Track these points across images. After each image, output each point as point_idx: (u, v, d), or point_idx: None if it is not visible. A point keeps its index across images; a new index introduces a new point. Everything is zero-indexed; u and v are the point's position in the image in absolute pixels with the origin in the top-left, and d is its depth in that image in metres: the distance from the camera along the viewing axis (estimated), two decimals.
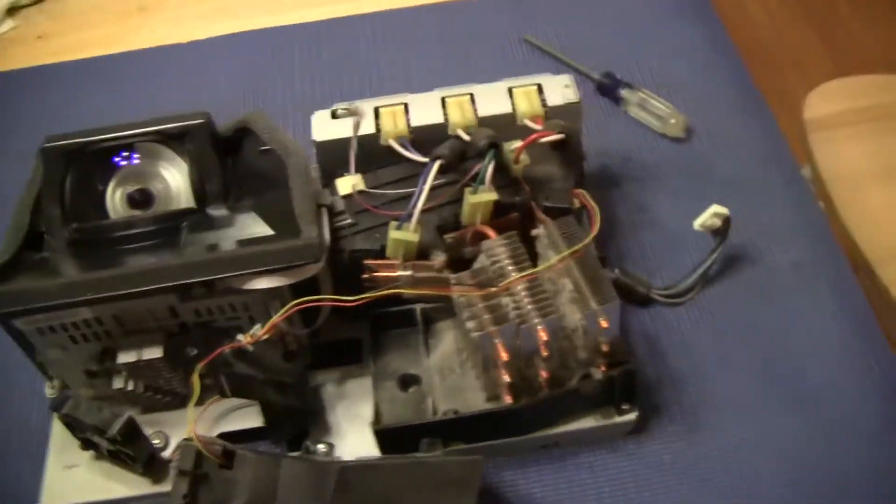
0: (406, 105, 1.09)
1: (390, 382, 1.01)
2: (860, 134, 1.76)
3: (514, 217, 1.03)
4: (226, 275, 0.91)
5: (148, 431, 0.98)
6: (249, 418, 1.01)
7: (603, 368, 0.96)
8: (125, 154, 0.99)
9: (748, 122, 1.32)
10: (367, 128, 1.07)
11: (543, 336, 0.92)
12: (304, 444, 0.95)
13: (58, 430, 1.02)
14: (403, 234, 0.97)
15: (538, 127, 1.06)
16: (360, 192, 1.03)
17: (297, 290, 0.94)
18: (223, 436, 1.00)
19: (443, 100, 1.09)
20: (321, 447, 0.96)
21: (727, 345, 1.09)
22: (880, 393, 1.04)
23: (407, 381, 1.02)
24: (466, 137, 1.04)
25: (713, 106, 1.33)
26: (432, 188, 0.99)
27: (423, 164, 1.00)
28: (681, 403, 1.04)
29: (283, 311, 0.92)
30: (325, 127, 1.07)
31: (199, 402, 0.94)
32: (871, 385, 1.04)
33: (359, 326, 1.05)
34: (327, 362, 1.06)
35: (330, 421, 1.02)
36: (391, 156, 1.06)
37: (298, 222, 0.94)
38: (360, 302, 0.93)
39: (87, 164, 0.98)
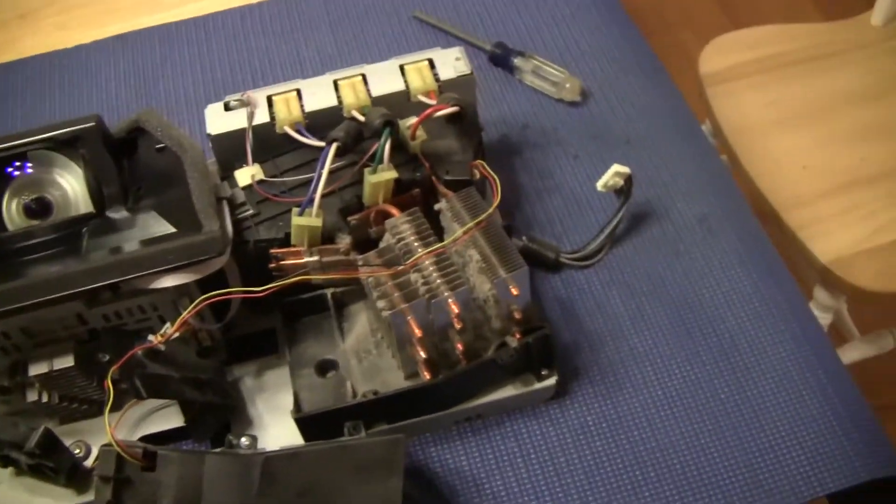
0: (299, 91, 1.09)
1: (308, 370, 1.01)
2: (757, 84, 1.79)
3: (415, 193, 1.04)
4: (130, 276, 0.91)
5: (68, 442, 0.97)
6: (171, 419, 1.01)
7: (518, 336, 0.97)
8: (17, 164, 0.98)
9: (643, 82, 1.33)
10: (262, 117, 1.07)
11: (455, 308, 0.92)
12: (227, 439, 0.95)
13: None
14: (306, 220, 0.97)
15: (432, 102, 1.07)
16: (260, 182, 1.03)
17: (205, 285, 0.94)
18: (146, 438, 0.99)
19: (335, 83, 1.09)
20: (244, 440, 0.96)
21: (640, 302, 1.10)
22: (793, 335, 1.06)
23: (324, 367, 1.02)
24: (361, 118, 1.04)
25: (606, 68, 1.35)
26: (331, 172, 0.99)
27: (321, 149, 1.00)
28: (600, 364, 1.06)
29: (191, 307, 0.92)
30: (219, 120, 1.07)
31: (118, 407, 0.94)
32: (783, 326, 1.07)
33: (271, 317, 1.06)
34: (244, 355, 1.06)
35: (251, 414, 1.02)
36: (288, 143, 1.06)
37: (199, 217, 0.94)
38: (269, 291, 0.93)
39: None
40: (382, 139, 1.00)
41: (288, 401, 0.98)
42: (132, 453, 0.86)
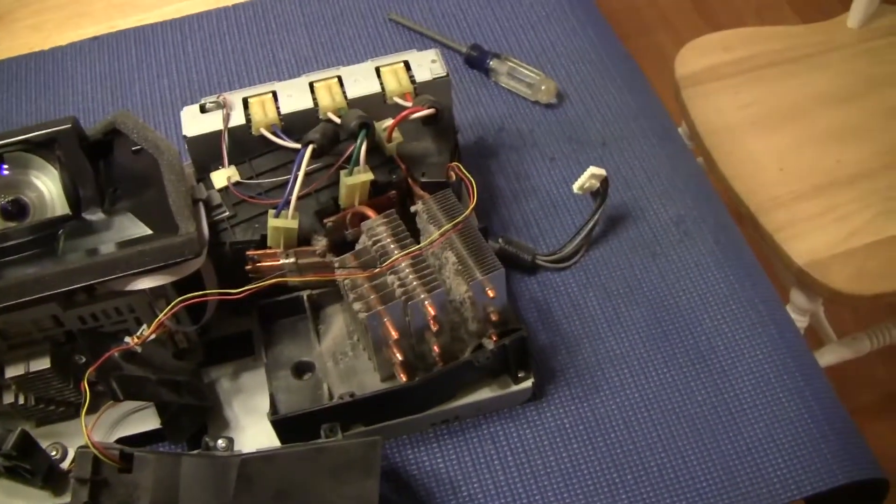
0: (274, 93, 1.09)
1: (284, 372, 1.02)
2: (733, 86, 1.80)
3: (392, 195, 1.05)
4: (106, 278, 0.91)
5: (44, 444, 0.97)
6: (147, 421, 1.01)
7: (494, 338, 0.97)
8: None
9: (619, 84, 1.34)
10: (238, 119, 1.07)
11: (431, 310, 0.93)
12: (204, 441, 0.95)
13: None
14: (282, 222, 0.98)
15: (408, 104, 1.07)
16: (236, 184, 1.03)
17: (181, 287, 0.94)
18: (122, 440, 1.00)
19: (311, 84, 1.09)
20: (221, 443, 0.96)
21: (617, 304, 1.11)
22: (770, 337, 1.07)
23: (301, 369, 1.03)
24: (337, 120, 1.05)
25: (582, 70, 1.36)
26: (307, 173, 0.99)
27: (296, 151, 1.01)
28: (576, 366, 1.06)
29: (167, 309, 0.92)
30: (194, 122, 1.07)
31: (94, 409, 0.94)
32: (760, 329, 1.08)
33: (248, 319, 1.06)
34: (220, 357, 1.06)
35: (228, 416, 1.03)
36: (264, 145, 1.06)
37: (175, 219, 0.94)
38: (245, 294, 0.93)
39: None
40: (358, 141, 1.01)
41: (264, 403, 0.99)
42: (108, 455, 0.86)
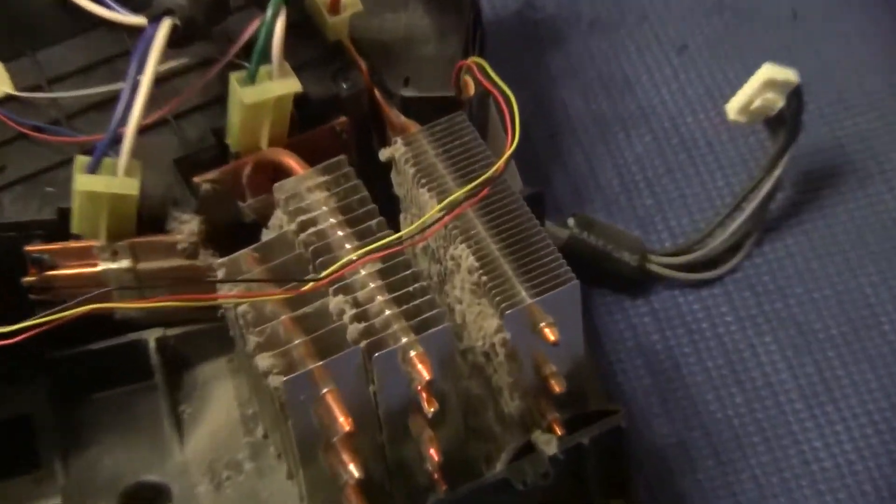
0: None
1: None
2: None
3: (339, 125, 0.98)
4: None
5: None
6: None
7: (559, 430, 0.90)
8: None
9: None
10: None
11: (424, 371, 0.84)
12: None
13: None
14: (105, 183, 0.92)
15: None
16: (6, 101, 0.98)
17: None
18: None
19: None
20: None
21: (824, 357, 1.07)
22: None
23: (140, 499, 0.96)
24: None
25: None
26: (160, 80, 0.94)
27: (138, 31, 0.94)
28: (737, 492, 1.01)
29: None
30: None
31: None
32: None
33: (26, 391, 1.01)
34: None
35: None
36: (65, 18, 1.02)
37: None
38: (22, 336, 0.86)
39: None
40: (268, 14, 0.95)
41: None
42: None
